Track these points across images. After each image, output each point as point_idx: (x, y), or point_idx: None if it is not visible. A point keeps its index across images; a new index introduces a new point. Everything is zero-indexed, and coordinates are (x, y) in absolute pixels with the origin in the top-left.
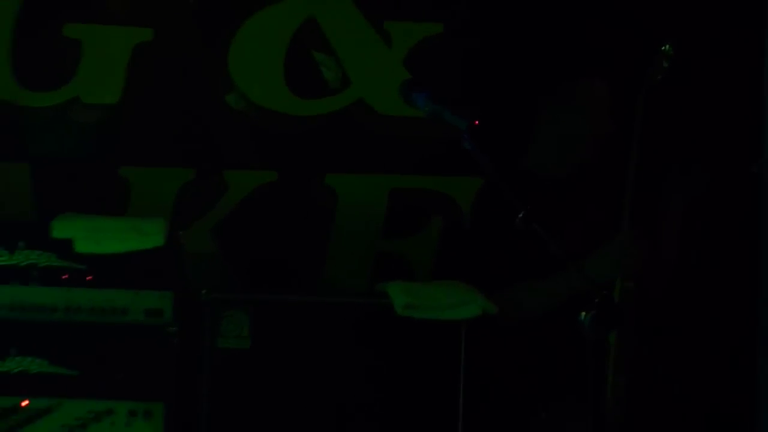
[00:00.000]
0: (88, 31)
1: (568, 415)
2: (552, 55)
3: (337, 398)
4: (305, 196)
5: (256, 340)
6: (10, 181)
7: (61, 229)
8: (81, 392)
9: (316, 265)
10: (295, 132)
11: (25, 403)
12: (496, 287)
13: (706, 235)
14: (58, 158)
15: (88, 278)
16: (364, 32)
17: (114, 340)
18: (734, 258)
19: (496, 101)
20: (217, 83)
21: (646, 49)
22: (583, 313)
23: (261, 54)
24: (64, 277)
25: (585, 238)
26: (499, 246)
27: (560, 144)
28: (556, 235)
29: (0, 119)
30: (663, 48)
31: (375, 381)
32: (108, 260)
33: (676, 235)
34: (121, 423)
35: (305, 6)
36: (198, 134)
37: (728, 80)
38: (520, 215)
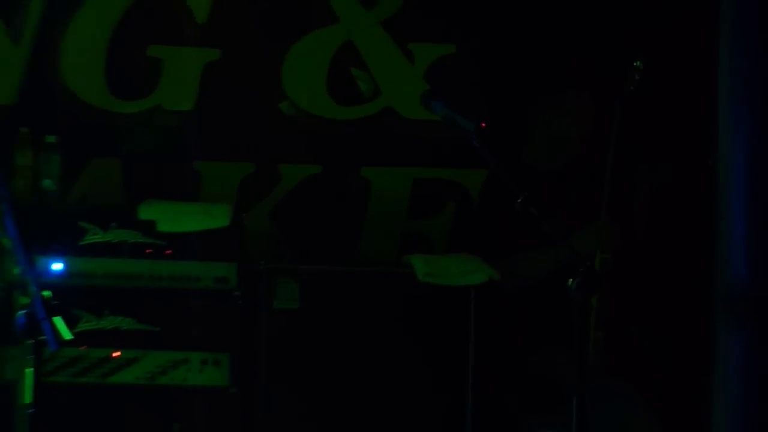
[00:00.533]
0: (168, 51)
1: (558, 360)
2: (545, 70)
3: (369, 348)
4: (344, 185)
5: (305, 302)
6: (105, 173)
7: (146, 212)
8: (162, 345)
9: (353, 241)
10: (336, 133)
11: (116, 354)
12: (499, 258)
13: (670, 216)
14: (143, 154)
15: (167, 252)
16: (392, 52)
17: (189, 302)
18: (693, 235)
19: (498, 107)
20: (272, 93)
21: (622, 64)
22: (571, 280)
23: (308, 70)
24: (148, 251)
25: (572, 218)
26: (502, 225)
27: (551, 143)
28: (548, 216)
29: (96, 123)
30: (635, 63)
31: (400, 334)
32: (184, 237)
33: (646, 216)
34: (195, 370)
35: (344, 31)
36: (257, 135)
37: (689, 90)
38: (519, 200)
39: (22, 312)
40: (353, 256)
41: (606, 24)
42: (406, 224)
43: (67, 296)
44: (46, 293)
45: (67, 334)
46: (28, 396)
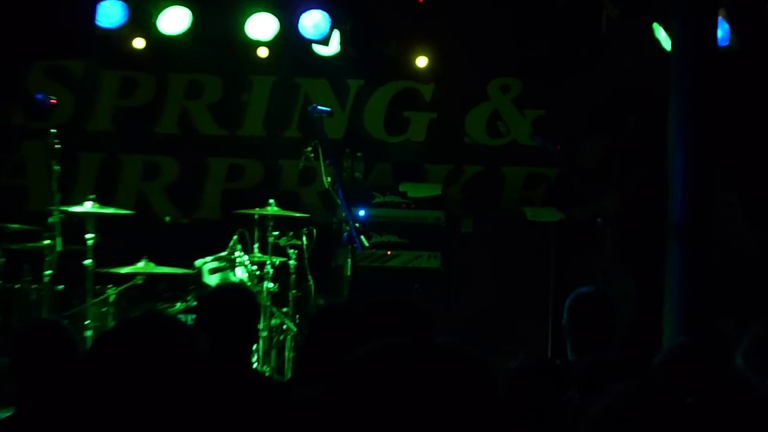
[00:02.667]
0: (413, 114)
1: (593, 256)
2: (586, 123)
3: (504, 248)
4: (495, 177)
5: (475, 229)
6: (383, 170)
7: (402, 187)
8: (409, 248)
9: (497, 200)
10: (490, 153)
11: (389, 252)
12: (565, 209)
13: (645, 191)
14: (401, 161)
15: (412, 206)
16: (515, 114)
17: (422, 228)
18: (655, 198)
19: (565, 139)
20: (460, 132)
21: (623, 121)
22: (599, 219)
23: (478, 121)
24: (404, 205)
25: (597, 191)
26: (566, 194)
27: (587, 157)
28: (588, 190)
29: (379, 147)
30: (629, 120)
31: (519, 242)
32: (420, 199)
33: (633, 191)
34: (425, 260)
35: (493, 105)
36: (453, 152)
37: (655, 131)
38: (575, 183)
39: (345, 233)
40: (497, 207)
41: (615, 101)
42: (522, 193)
43: (367, 226)
44: (356, 225)
45: (366, 243)
46: (348, 271)
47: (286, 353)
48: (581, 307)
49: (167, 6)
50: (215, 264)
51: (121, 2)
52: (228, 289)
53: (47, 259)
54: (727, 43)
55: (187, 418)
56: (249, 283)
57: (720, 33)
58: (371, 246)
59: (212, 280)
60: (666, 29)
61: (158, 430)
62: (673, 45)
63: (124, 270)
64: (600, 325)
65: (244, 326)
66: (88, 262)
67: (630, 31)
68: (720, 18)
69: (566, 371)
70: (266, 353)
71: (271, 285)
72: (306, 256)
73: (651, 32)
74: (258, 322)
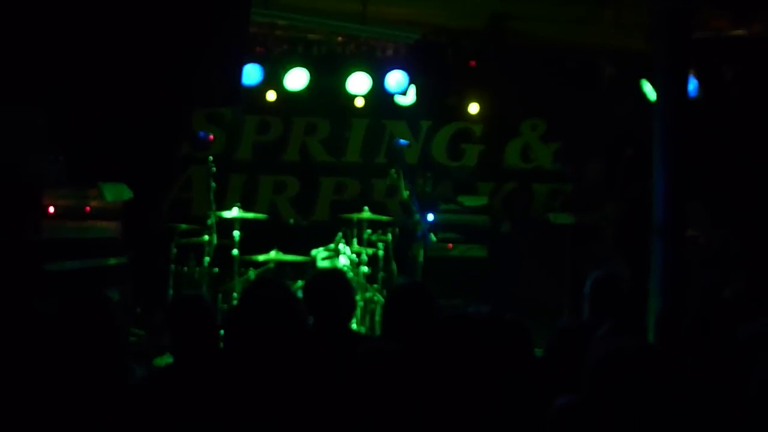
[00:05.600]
0: (468, 147)
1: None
2: (591, 155)
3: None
4: (526, 191)
5: (512, 229)
6: (445, 185)
7: (464, 198)
8: (464, 242)
9: (530, 205)
10: (522, 174)
11: (450, 245)
12: (577, 214)
13: (635, 198)
14: (459, 178)
15: (466, 212)
16: (541, 145)
17: (472, 228)
18: (645, 202)
19: (576, 163)
20: (500, 158)
21: (622, 151)
22: (602, 222)
23: (513, 151)
24: (460, 211)
25: (601, 199)
26: (578, 203)
27: (592, 174)
28: (595, 200)
29: (441, 169)
30: (627, 150)
31: (546, 239)
32: (473, 206)
33: (628, 203)
34: (475, 251)
35: (525, 139)
36: (493, 172)
37: (645, 158)
38: (585, 195)
39: (419, 232)
40: (528, 213)
41: (616, 137)
42: (546, 203)
43: (434, 227)
44: (427, 226)
45: (433, 239)
46: (420, 259)
47: (377, 317)
48: (601, 284)
49: (291, 68)
50: (325, 253)
51: (259, 66)
52: (321, 274)
53: (206, 249)
54: (696, 94)
55: (299, 358)
56: (349, 267)
57: (691, 86)
58: (437, 241)
59: (323, 264)
60: (651, 84)
61: (279, 367)
62: (657, 95)
63: (260, 257)
64: (612, 296)
65: (335, 299)
66: (235, 251)
67: (624, 86)
68: (691, 75)
69: (582, 330)
70: (362, 318)
71: (365, 269)
72: (390, 248)
73: (640, 86)
74: (349, 295)
